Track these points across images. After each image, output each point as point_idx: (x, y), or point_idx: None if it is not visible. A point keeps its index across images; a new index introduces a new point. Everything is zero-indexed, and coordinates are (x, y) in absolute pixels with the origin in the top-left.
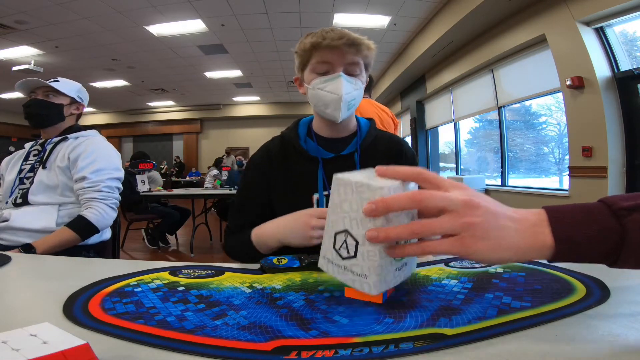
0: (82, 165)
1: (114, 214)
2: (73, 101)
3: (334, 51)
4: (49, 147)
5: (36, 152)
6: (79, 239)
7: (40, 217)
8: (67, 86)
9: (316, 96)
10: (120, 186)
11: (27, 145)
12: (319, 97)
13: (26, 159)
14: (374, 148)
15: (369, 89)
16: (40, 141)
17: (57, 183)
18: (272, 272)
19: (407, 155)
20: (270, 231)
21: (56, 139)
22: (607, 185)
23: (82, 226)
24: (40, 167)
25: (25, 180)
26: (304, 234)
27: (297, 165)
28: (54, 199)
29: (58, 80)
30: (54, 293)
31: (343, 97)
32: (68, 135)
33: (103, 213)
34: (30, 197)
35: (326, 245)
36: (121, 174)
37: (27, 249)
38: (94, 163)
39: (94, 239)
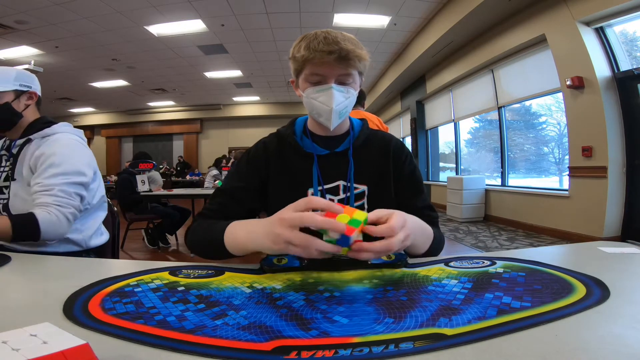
0: (39, 171)
1: (67, 227)
2: (18, 93)
3: (325, 66)
4: (14, 151)
5: (6, 157)
6: (10, 236)
7: None
8: (0, 80)
9: (310, 104)
10: (83, 193)
11: None
12: (312, 105)
13: None
14: (366, 146)
15: (360, 101)
16: (7, 144)
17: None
18: (272, 272)
19: (396, 149)
20: (243, 233)
21: (20, 142)
22: (607, 185)
23: (23, 223)
24: (11, 178)
25: (4, 190)
26: (274, 246)
27: (293, 160)
28: None
29: None
30: (54, 293)
31: (334, 109)
32: (31, 137)
33: (57, 222)
34: (12, 211)
35: None
36: (84, 178)
37: None
38: (50, 168)
39: (93, 242)
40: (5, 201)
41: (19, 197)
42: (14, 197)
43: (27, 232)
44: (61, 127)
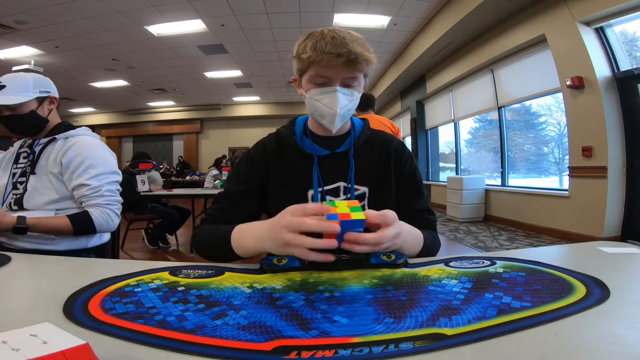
0: (79, 172)
1: (117, 221)
2: (40, 99)
3: (332, 68)
4: (37, 149)
5: (25, 154)
6: (72, 232)
7: None
8: (20, 89)
9: (313, 105)
10: (120, 189)
11: (17, 145)
12: (315, 107)
13: (16, 161)
14: (368, 146)
15: (372, 105)
16: (28, 142)
17: (52, 190)
18: (272, 272)
19: (397, 150)
20: (250, 238)
21: (44, 140)
22: (607, 185)
23: (81, 220)
24: (30, 172)
25: (18, 185)
26: (280, 249)
27: (293, 161)
28: (51, 206)
29: (5, 86)
30: (54, 293)
31: (338, 112)
32: (56, 136)
33: (108, 218)
34: (26, 204)
35: None
36: (119, 177)
37: (20, 226)
38: (90, 168)
39: (93, 242)
40: (18, 195)
41: (37, 190)
42: (33, 190)
43: (84, 228)
44: (83, 130)
